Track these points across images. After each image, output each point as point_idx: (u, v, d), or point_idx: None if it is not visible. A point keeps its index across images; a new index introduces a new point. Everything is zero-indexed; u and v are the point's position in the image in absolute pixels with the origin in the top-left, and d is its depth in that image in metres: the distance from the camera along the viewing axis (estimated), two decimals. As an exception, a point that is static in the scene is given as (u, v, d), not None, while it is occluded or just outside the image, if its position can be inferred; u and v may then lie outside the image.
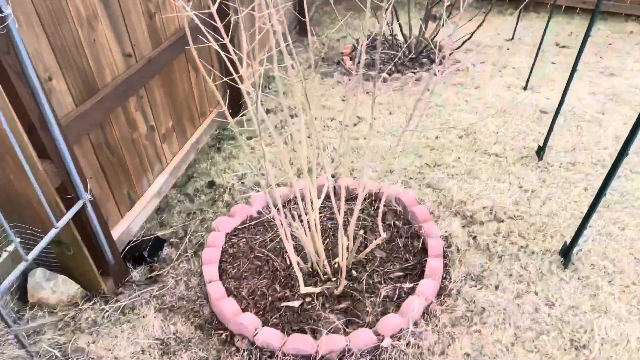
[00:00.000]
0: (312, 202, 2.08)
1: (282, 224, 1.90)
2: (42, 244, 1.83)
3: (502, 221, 2.46)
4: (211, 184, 3.08)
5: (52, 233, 1.88)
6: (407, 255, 2.34)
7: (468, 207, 2.58)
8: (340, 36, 5.18)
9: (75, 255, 2.14)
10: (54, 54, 1.97)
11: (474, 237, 2.38)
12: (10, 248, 1.98)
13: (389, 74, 4.48)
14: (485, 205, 2.59)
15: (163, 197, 2.97)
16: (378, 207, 2.62)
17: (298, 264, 2.28)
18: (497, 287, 2.08)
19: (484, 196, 2.65)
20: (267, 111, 3.91)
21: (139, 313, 2.17)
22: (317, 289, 2.16)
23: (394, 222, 2.53)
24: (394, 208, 2.60)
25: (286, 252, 2.42)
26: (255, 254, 2.43)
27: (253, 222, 2.63)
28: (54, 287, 2.13)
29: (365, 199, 2.69)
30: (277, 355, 1.89)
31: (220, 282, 2.21)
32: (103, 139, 2.38)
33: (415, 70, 4.48)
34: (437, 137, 3.31)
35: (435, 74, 4.13)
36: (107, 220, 2.47)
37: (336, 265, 2.30)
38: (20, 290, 2.13)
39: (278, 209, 2.12)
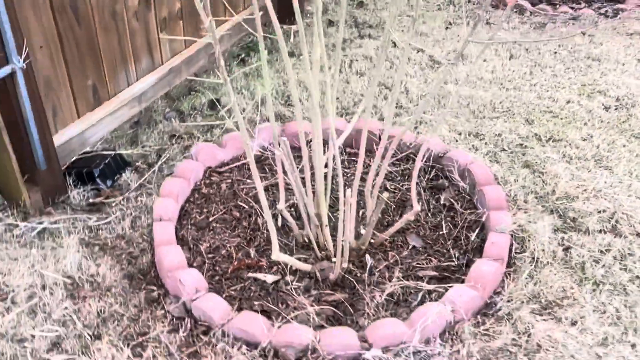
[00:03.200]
0: (313, 142, 2.05)
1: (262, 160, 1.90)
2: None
3: (622, 236, 2.27)
4: (215, 104, 3.17)
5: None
6: (454, 250, 2.24)
7: (575, 205, 2.41)
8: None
9: (-7, 143, 2.30)
10: None
11: (567, 249, 2.22)
12: None
13: (533, 3, 4.29)
14: (603, 209, 2.40)
15: (145, 107, 3.10)
16: (434, 177, 2.54)
17: (284, 227, 2.27)
18: (574, 324, 1.93)
19: (607, 196, 2.46)
20: (360, 23, 3.91)
21: (59, 242, 2.31)
22: (304, 266, 2.15)
23: (452, 202, 2.43)
24: (457, 183, 2.49)
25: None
26: (238, 202, 2.47)
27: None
28: (-42, 178, 2.32)
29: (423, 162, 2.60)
30: (214, 334, 1.91)
31: (173, 224, 2.28)
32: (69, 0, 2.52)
33: (575, 5, 4.24)
34: (568, 102, 3.12)
35: (606, 15, 3.87)
36: (55, 114, 2.63)
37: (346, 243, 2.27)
38: None
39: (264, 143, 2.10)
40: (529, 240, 2.23)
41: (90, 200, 2.57)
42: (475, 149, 2.74)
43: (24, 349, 1.87)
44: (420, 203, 2.45)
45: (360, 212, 2.36)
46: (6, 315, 1.97)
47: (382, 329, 1.88)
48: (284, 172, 2.39)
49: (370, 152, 2.67)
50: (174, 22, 3.16)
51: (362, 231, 2.29)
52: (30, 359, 1.85)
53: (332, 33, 3.81)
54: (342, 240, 2.03)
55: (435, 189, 2.51)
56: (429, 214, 2.40)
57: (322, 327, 1.96)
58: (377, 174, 2.33)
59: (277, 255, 1.99)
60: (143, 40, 2.99)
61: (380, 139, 2.72)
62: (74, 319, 1.98)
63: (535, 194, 2.47)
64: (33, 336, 1.91)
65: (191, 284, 2.00)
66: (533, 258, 2.16)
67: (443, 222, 2.36)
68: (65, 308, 2.02)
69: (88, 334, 1.92)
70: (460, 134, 2.85)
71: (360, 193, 2.30)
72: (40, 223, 2.40)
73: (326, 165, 2.24)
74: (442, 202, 2.45)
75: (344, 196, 1.94)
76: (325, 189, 2.21)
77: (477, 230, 2.29)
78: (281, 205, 2.18)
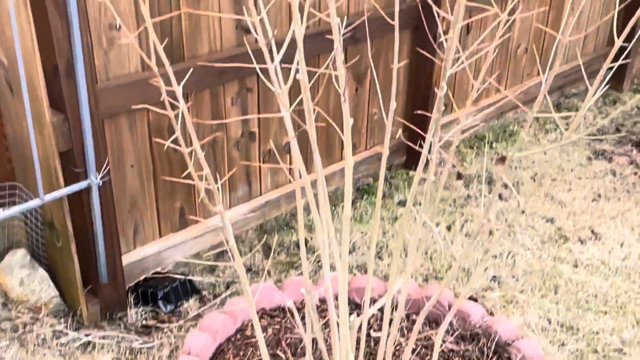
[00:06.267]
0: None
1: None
2: (13, 210, 2.52)
3: None
4: (304, 243, 3.48)
5: (32, 204, 2.56)
6: None
7: None
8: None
9: (62, 251, 2.80)
10: (134, 2, 2.70)
11: None
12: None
13: None
14: None
15: (234, 235, 3.50)
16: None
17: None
18: None
19: None
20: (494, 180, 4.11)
21: (97, 357, 2.68)
22: None
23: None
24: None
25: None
26: (277, 351, 2.70)
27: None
28: (26, 279, 2.83)
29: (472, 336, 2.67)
30: None
31: (200, 363, 2.55)
32: (167, 124, 3.04)
33: None
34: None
35: None
36: (136, 231, 3.10)
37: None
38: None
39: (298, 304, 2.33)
40: None
41: (145, 322, 2.95)
42: (561, 344, 2.75)
43: None
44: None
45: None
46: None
47: None
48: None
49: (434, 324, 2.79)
50: (280, 155, 3.59)
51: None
52: None
53: (457, 187, 4.02)
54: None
55: (491, 382, 2.56)
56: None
57: None
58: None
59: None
60: (242, 170, 3.44)
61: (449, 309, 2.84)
62: None
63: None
64: None
65: None
66: None
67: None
68: None
69: None
70: (550, 322, 2.87)
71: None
72: (88, 335, 2.81)
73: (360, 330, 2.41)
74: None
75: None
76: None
77: None
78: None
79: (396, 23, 1.91)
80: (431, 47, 3.60)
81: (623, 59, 1.89)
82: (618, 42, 1.73)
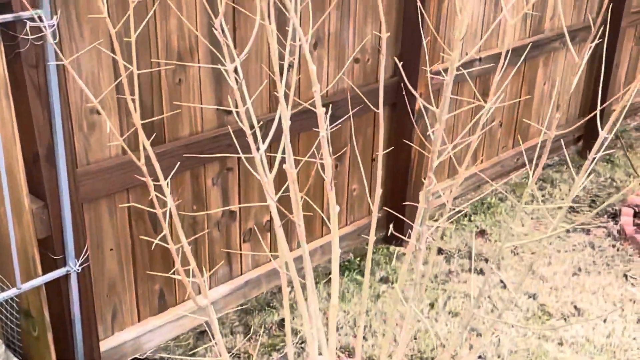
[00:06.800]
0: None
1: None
2: (-10, 300, 2.45)
3: None
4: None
5: (9, 293, 2.49)
6: None
7: None
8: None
9: (38, 340, 2.71)
10: (115, 85, 2.70)
11: None
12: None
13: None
14: None
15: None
16: None
17: None
18: None
19: None
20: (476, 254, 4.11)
21: None
22: None
23: None
24: None
25: None
26: None
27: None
28: (0, 370, 2.73)
29: None
30: None
31: None
32: (148, 206, 2.99)
33: None
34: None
35: None
36: (114, 316, 3.03)
37: None
38: (-35, 356, 2.80)
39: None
40: None
41: (123, 412, 2.85)
42: None
43: None
44: None
45: None
46: None
47: None
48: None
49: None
50: (261, 233, 3.55)
51: None
52: None
53: (438, 262, 4.00)
54: None
55: None
56: None
57: None
58: None
59: None
60: (222, 250, 3.39)
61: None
62: None
63: None
64: None
65: None
66: None
67: None
68: None
69: None
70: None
71: None
72: None
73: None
74: None
75: None
76: None
77: None
78: None
79: (381, 116, 1.92)
80: (409, 121, 3.65)
81: (604, 150, 1.92)
82: (602, 134, 1.75)
